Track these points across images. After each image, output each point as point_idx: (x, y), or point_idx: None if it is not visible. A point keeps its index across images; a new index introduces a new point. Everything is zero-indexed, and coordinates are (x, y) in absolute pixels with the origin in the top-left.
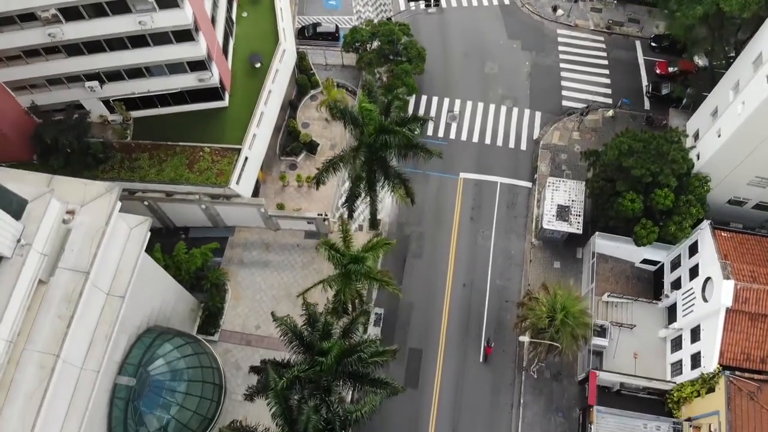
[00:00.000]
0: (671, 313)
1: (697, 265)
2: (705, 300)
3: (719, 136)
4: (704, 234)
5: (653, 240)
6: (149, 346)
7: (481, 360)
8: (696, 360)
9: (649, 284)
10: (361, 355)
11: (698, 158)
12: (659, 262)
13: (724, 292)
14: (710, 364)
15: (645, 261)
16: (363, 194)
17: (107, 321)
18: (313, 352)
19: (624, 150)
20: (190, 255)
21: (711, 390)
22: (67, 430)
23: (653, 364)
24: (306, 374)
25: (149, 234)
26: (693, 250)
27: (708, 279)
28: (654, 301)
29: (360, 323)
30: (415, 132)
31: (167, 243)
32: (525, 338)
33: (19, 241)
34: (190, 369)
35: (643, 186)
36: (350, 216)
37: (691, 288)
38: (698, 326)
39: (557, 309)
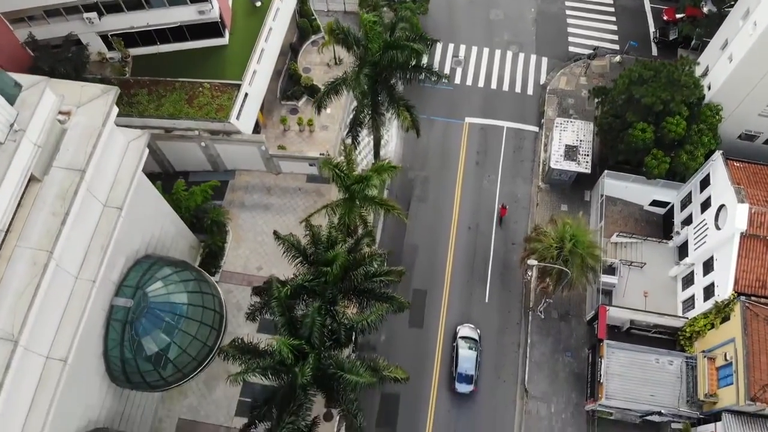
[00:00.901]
0: (682, 251)
1: (708, 198)
2: (718, 228)
3: (730, 60)
4: (716, 165)
5: (664, 170)
6: (147, 270)
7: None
8: (709, 292)
9: (658, 228)
10: (367, 267)
11: (709, 89)
12: (668, 203)
13: (739, 215)
14: (725, 291)
15: (654, 203)
16: (367, 119)
17: (104, 232)
18: (317, 265)
19: (634, 78)
20: (189, 192)
21: (726, 319)
22: (60, 339)
23: (664, 302)
24: (311, 284)
25: (147, 151)
26: (704, 184)
27: (721, 207)
28: (664, 241)
29: (365, 244)
30: (423, 53)
31: (167, 186)
32: (534, 261)
33: (12, 126)
34: (189, 293)
35: (653, 116)
36: (354, 143)
37: (704, 220)
38: (711, 258)
39: (566, 237)
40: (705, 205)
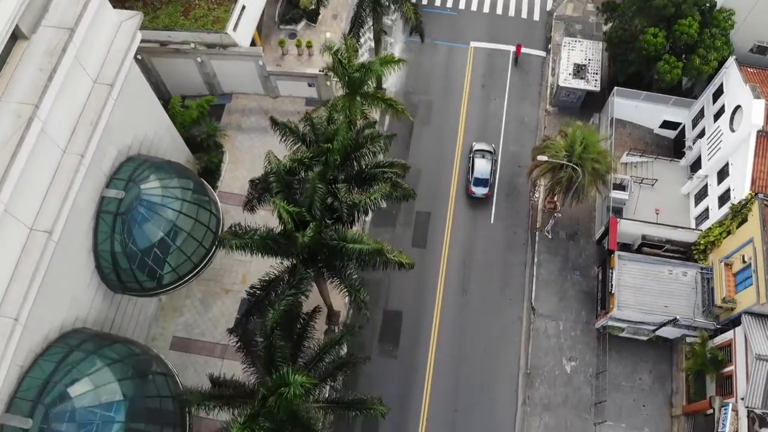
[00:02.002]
0: (694, 169)
1: (722, 108)
2: (733, 131)
3: None
4: (730, 71)
5: (677, 76)
6: (140, 165)
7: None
8: (724, 199)
9: (669, 152)
10: (370, 148)
11: None
12: (679, 124)
13: (755, 112)
14: (741, 192)
15: (665, 126)
16: (368, 11)
17: (93, 108)
18: (318, 144)
19: None
20: (186, 107)
21: (743, 222)
22: (46, 210)
23: (676, 220)
24: (311, 161)
25: (139, 35)
26: (717, 96)
27: (737, 108)
28: (675, 160)
29: (369, 133)
30: None
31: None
32: (543, 157)
33: None
34: (184, 189)
35: (665, 22)
36: (356, 39)
37: (718, 127)
38: (725, 165)
39: (576, 141)
40: (718, 115)
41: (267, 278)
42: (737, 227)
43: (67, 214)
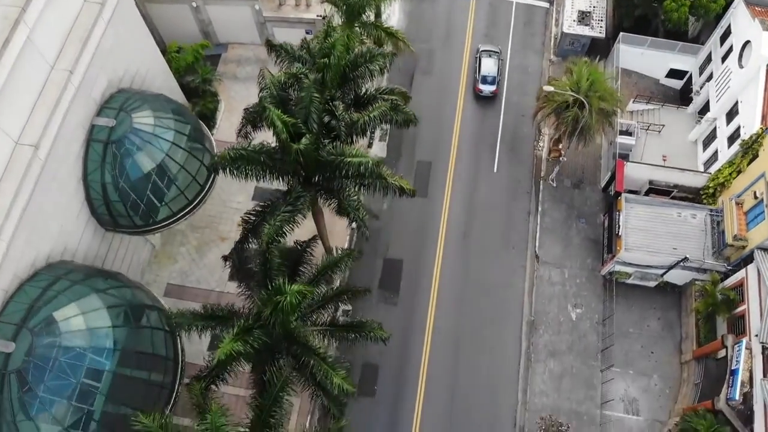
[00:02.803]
0: (702, 114)
1: (730, 48)
2: (742, 67)
3: None
4: (738, 10)
5: (684, 15)
6: (132, 96)
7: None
8: (733, 138)
9: (675, 102)
10: (369, 66)
11: None
12: (686, 73)
13: (765, 44)
14: (751, 128)
15: (671, 75)
16: None
17: (83, 25)
18: (314, 62)
19: None
20: (180, 52)
21: (753, 158)
22: (32, 123)
23: (684, 167)
24: (307, 77)
25: None
26: (724, 38)
27: (746, 44)
28: (682, 107)
29: (367, 50)
30: None
31: None
32: (549, 88)
33: None
34: (177, 121)
35: None
36: None
37: (726, 67)
38: (735, 104)
39: (583, 78)
40: (726, 56)
41: (263, 204)
42: (748, 164)
43: (55, 133)
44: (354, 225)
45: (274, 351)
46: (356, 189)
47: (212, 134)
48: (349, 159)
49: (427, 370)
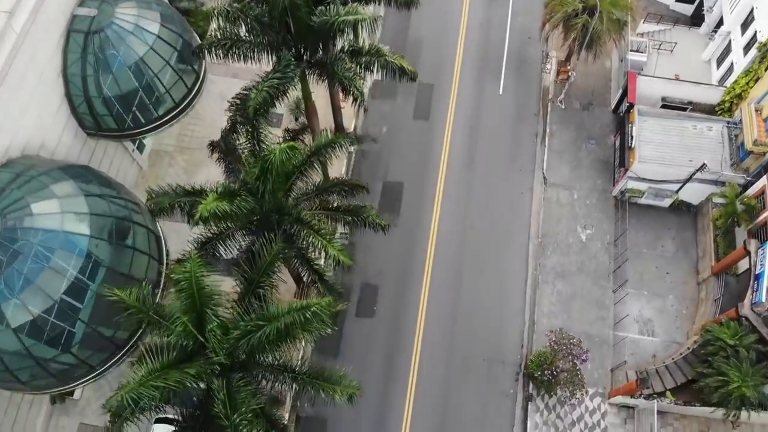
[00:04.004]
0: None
1: None
2: None
3: None
4: None
5: None
6: None
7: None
8: (749, 46)
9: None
10: None
11: None
12: None
13: None
14: None
15: None
16: None
17: None
18: None
19: None
20: None
21: None
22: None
23: None
24: None
25: None
26: None
27: None
28: (694, 27)
29: None
30: None
31: None
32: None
33: None
34: (164, 15)
35: None
36: None
37: None
38: (750, 13)
39: None
40: None
41: (250, 85)
42: (766, 69)
43: (32, 6)
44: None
45: (264, 224)
46: (351, 62)
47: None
48: (344, 17)
49: (429, 291)
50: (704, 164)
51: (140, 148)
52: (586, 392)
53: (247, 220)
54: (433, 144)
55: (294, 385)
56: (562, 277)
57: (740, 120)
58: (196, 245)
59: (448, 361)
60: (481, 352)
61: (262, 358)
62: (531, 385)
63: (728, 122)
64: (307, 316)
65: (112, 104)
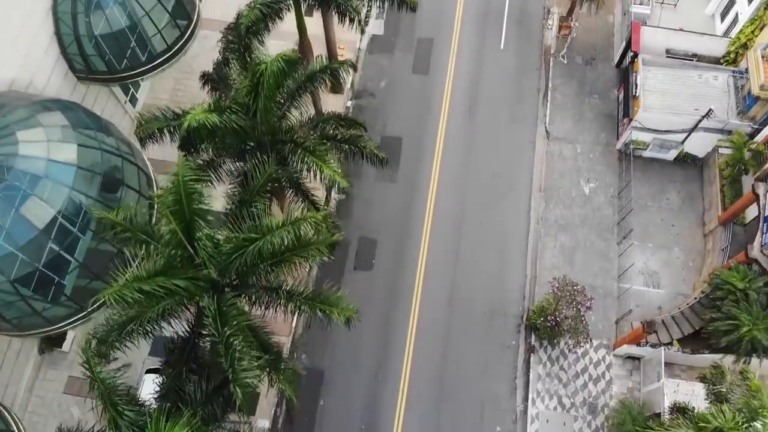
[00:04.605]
0: None
1: None
2: None
3: None
4: None
5: None
6: None
7: None
8: None
9: None
10: None
11: None
12: None
13: None
14: None
15: None
16: None
17: None
18: None
19: None
20: None
21: None
22: None
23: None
24: None
25: None
26: None
27: None
28: None
29: None
30: None
31: None
32: None
33: None
34: None
35: None
36: None
37: None
38: None
39: None
40: None
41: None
42: None
43: None
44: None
45: (256, 148)
46: None
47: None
48: None
49: (428, 244)
50: (711, 109)
51: (133, 101)
52: (591, 343)
53: (238, 140)
54: (432, 98)
55: (289, 306)
56: (565, 230)
57: (746, 69)
58: None
59: (448, 314)
60: (482, 305)
61: (256, 282)
62: (533, 336)
63: (734, 71)
64: (302, 229)
65: (102, 45)
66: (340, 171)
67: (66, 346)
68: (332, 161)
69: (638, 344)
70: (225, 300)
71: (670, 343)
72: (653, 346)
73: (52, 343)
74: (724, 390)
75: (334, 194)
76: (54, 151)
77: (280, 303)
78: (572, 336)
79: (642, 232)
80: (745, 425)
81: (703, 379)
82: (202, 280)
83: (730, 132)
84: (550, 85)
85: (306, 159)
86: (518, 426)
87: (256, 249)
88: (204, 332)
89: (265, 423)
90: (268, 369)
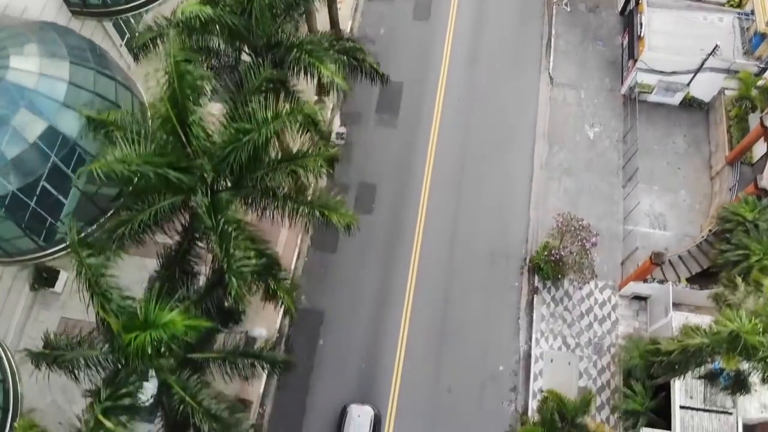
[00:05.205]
0: None
1: None
2: None
3: None
4: None
5: None
6: None
7: None
8: None
9: None
10: None
11: None
12: None
13: None
14: None
15: None
16: None
17: None
18: None
19: None
20: None
21: None
22: None
23: None
24: None
25: None
26: None
27: None
28: None
29: None
30: None
31: None
32: None
33: None
34: None
35: None
36: None
37: None
38: None
39: None
40: None
41: None
42: None
43: None
44: None
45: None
46: None
47: None
48: None
49: (429, 188)
50: (717, 45)
51: (128, 44)
52: (596, 284)
53: (233, 41)
54: (433, 45)
55: (286, 208)
56: (569, 174)
57: (751, 11)
58: None
59: (450, 256)
60: (484, 247)
61: (252, 183)
62: (536, 278)
63: (739, 13)
64: (298, 119)
65: None
66: (339, 74)
67: (59, 286)
68: (331, 64)
69: (645, 280)
70: (220, 200)
71: (678, 281)
72: (660, 282)
73: (44, 282)
74: (737, 300)
75: (333, 139)
76: (46, 67)
77: (277, 206)
78: (576, 271)
79: (648, 175)
80: (764, 331)
81: (714, 297)
82: (196, 171)
83: (736, 72)
84: (553, 32)
85: (303, 58)
86: (521, 365)
87: (251, 144)
88: (198, 235)
89: (263, 331)
90: (266, 276)
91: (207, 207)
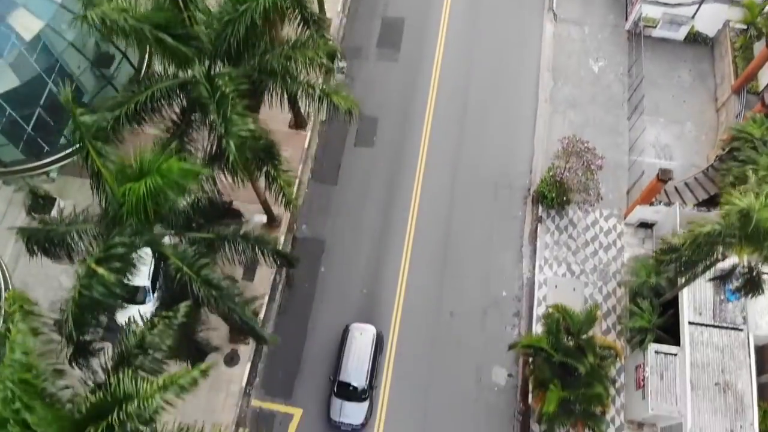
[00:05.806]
0: None
1: None
2: None
3: None
4: None
5: None
6: None
7: None
8: None
9: None
10: None
11: None
12: None
13: None
14: None
15: None
16: None
17: None
18: None
19: None
20: None
21: None
22: None
23: None
24: None
25: None
26: None
27: None
28: None
29: None
30: None
31: None
32: None
33: None
34: None
35: None
36: None
37: None
38: None
39: None
40: None
41: None
42: None
43: None
44: None
45: None
46: None
47: None
48: None
49: (431, 121)
50: None
51: None
52: (601, 213)
53: None
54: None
55: (286, 88)
56: (574, 107)
57: None
58: None
59: (452, 187)
60: (487, 178)
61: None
62: (540, 207)
63: None
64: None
65: None
66: None
67: (55, 213)
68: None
69: (651, 203)
70: (218, 74)
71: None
72: (667, 204)
73: (41, 208)
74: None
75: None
76: None
77: (276, 85)
78: (582, 191)
79: (653, 107)
80: None
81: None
82: (193, 43)
83: (740, 2)
84: None
85: None
86: (525, 291)
87: (248, 15)
88: (194, 118)
89: (263, 218)
90: (265, 161)
91: (204, 76)
